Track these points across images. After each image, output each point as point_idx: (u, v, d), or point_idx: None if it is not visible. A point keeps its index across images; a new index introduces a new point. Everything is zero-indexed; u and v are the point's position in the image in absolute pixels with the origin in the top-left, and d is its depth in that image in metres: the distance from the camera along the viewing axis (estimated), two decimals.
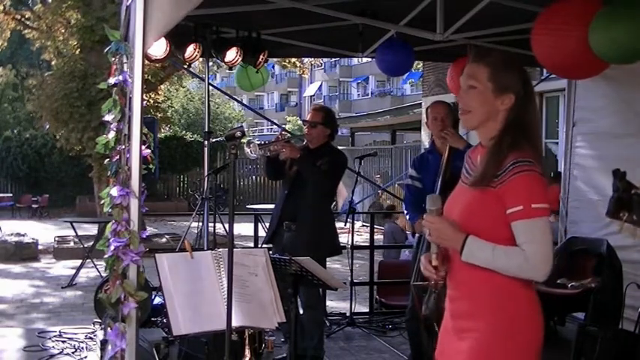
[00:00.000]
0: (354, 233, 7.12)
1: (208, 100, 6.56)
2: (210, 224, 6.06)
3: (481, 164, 2.24)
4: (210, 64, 6.79)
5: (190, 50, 5.67)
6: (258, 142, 4.75)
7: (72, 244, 12.11)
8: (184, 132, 25.92)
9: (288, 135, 5.55)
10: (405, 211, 5.07)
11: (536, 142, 2.23)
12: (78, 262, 9.79)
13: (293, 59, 15.64)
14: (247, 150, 4.47)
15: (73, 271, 9.67)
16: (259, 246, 6.81)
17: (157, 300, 5.62)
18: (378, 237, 9.39)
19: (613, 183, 1.55)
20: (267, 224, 5.49)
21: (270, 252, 4.60)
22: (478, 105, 2.25)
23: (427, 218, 2.25)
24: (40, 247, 12.48)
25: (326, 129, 4.98)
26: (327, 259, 5.01)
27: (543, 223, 2.11)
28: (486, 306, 2.18)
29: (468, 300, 2.23)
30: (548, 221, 2.15)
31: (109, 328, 2.69)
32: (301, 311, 4.97)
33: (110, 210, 2.72)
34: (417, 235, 4.96)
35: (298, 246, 4.73)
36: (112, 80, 2.80)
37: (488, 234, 2.15)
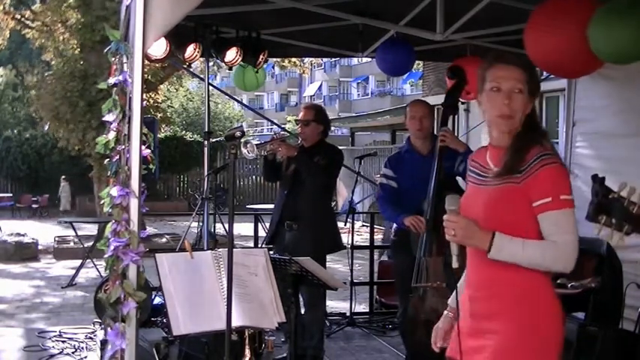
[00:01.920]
0: (354, 233, 7.13)
1: (208, 100, 6.55)
2: (210, 224, 6.06)
3: (506, 157, 2.25)
4: (211, 64, 6.78)
5: (190, 50, 5.67)
6: (255, 143, 4.77)
7: (72, 244, 12.09)
8: (184, 132, 25.91)
9: (284, 134, 5.57)
10: (382, 211, 4.92)
11: (548, 138, 2.29)
12: (78, 262, 9.78)
13: (293, 59, 15.63)
14: (244, 150, 4.49)
15: (73, 271, 9.66)
16: (259, 246, 6.81)
17: (157, 300, 5.62)
18: (378, 237, 9.38)
19: (592, 187, 1.59)
20: (267, 224, 5.50)
21: (271, 252, 4.61)
22: (521, 109, 2.27)
23: (450, 218, 2.21)
24: (40, 247, 12.47)
25: (319, 125, 4.99)
26: (328, 258, 5.02)
27: (571, 213, 2.15)
28: (508, 306, 2.20)
29: (489, 301, 2.24)
30: (574, 212, 2.17)
31: (108, 328, 2.69)
32: (303, 310, 4.99)
33: (110, 210, 2.72)
34: (393, 237, 4.92)
35: (301, 245, 4.74)
36: (112, 80, 2.80)
37: (512, 229, 2.16)
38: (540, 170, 2.15)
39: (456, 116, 4.69)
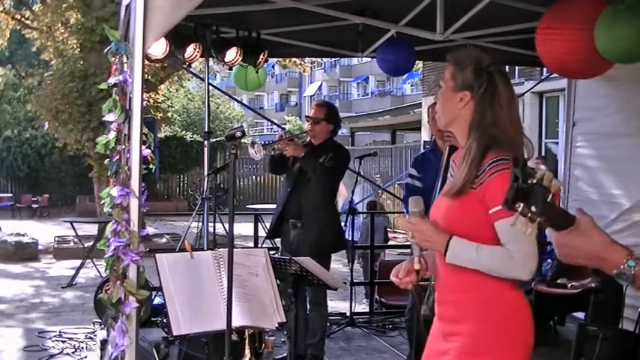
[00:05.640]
0: (354, 233, 7.13)
1: (208, 100, 6.55)
2: (210, 224, 6.05)
3: (458, 168, 2.21)
4: (211, 64, 6.77)
5: (190, 50, 5.67)
6: (262, 143, 4.74)
7: (72, 244, 12.10)
8: (184, 132, 25.91)
9: (291, 133, 5.56)
10: (405, 210, 5.08)
11: (510, 138, 2.17)
12: (78, 262, 9.79)
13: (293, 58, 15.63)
14: (251, 151, 4.44)
15: (73, 271, 9.67)
16: (260, 246, 6.81)
17: (157, 300, 5.62)
18: None
19: (512, 172, 1.45)
20: (268, 224, 5.50)
21: (272, 252, 4.61)
22: (442, 104, 2.26)
23: (409, 220, 2.21)
24: (40, 247, 12.48)
25: (329, 125, 4.97)
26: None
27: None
28: (472, 310, 2.16)
29: (454, 304, 2.22)
30: None
31: (111, 328, 2.69)
32: (308, 307, 5.00)
33: (110, 210, 2.72)
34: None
35: (306, 244, 4.74)
36: (112, 80, 2.80)
37: (473, 236, 2.12)
38: (492, 177, 2.09)
39: None
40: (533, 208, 1.44)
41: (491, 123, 2.17)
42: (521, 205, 1.43)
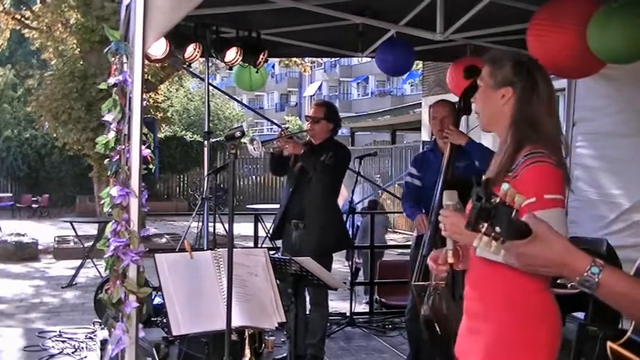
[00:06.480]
0: (354, 233, 7.13)
1: (208, 100, 6.55)
2: (210, 224, 6.06)
3: (493, 161, 2.24)
4: (211, 64, 6.77)
5: (190, 50, 5.67)
6: (262, 140, 4.75)
7: (72, 244, 12.10)
8: (184, 132, 25.92)
9: (291, 131, 5.56)
10: (403, 209, 5.06)
11: (549, 138, 2.19)
12: (78, 262, 9.79)
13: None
14: (250, 147, 4.46)
15: (73, 271, 9.66)
16: (260, 246, 6.81)
17: (157, 300, 5.62)
18: None
19: (474, 191, 1.43)
20: (268, 224, 5.50)
21: (272, 252, 4.61)
22: (483, 104, 2.29)
23: (443, 212, 2.19)
24: (40, 247, 12.47)
25: (329, 124, 4.98)
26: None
27: (557, 213, 2.07)
28: (497, 307, 2.16)
29: (480, 301, 2.22)
30: (563, 212, 2.11)
31: (112, 328, 2.69)
32: (308, 307, 5.00)
33: (110, 210, 2.72)
34: (415, 234, 4.96)
35: (309, 244, 4.73)
36: (112, 80, 2.80)
37: None
38: (525, 170, 2.11)
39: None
40: (497, 229, 1.42)
41: (530, 117, 2.19)
42: (485, 225, 1.42)
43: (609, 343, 2.35)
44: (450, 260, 2.23)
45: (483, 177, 2.25)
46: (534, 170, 2.09)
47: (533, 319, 2.15)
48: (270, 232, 5.38)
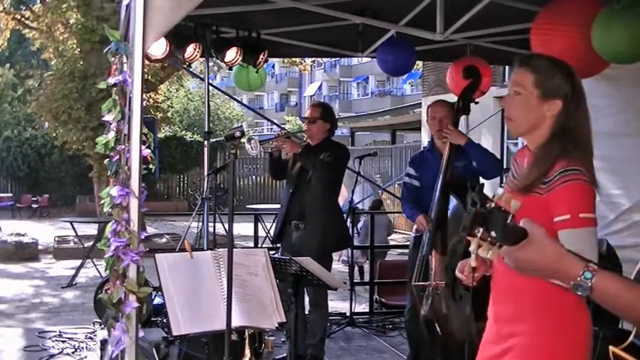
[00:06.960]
0: (354, 233, 7.13)
1: (208, 100, 6.55)
2: (210, 224, 6.06)
3: (528, 170, 2.21)
4: (211, 64, 6.77)
5: (190, 50, 5.67)
6: (259, 139, 4.76)
7: (72, 244, 12.10)
8: (184, 132, 25.92)
9: (289, 131, 5.58)
10: (403, 209, 5.05)
11: (585, 149, 2.19)
12: (78, 262, 9.79)
13: None
14: (248, 146, 4.48)
15: (73, 271, 9.66)
16: (260, 246, 6.81)
17: (157, 300, 5.62)
18: None
19: (469, 196, 1.43)
20: (268, 224, 5.50)
21: (272, 252, 4.61)
22: (524, 112, 2.23)
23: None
24: (40, 247, 12.48)
25: (325, 124, 4.99)
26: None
27: (590, 233, 2.09)
28: (531, 309, 2.16)
29: (512, 303, 2.21)
30: (595, 231, 2.12)
31: (112, 328, 2.69)
32: (308, 307, 5.00)
33: (110, 210, 2.72)
34: (414, 235, 4.95)
35: (310, 244, 4.73)
36: (111, 80, 2.79)
37: None
38: (561, 186, 2.10)
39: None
40: (493, 234, 1.43)
41: (573, 128, 2.20)
42: (481, 230, 1.42)
43: (612, 348, 2.36)
44: (473, 264, 2.22)
45: (513, 183, 2.22)
46: (572, 188, 2.09)
47: (570, 320, 2.16)
48: (273, 235, 5.38)
